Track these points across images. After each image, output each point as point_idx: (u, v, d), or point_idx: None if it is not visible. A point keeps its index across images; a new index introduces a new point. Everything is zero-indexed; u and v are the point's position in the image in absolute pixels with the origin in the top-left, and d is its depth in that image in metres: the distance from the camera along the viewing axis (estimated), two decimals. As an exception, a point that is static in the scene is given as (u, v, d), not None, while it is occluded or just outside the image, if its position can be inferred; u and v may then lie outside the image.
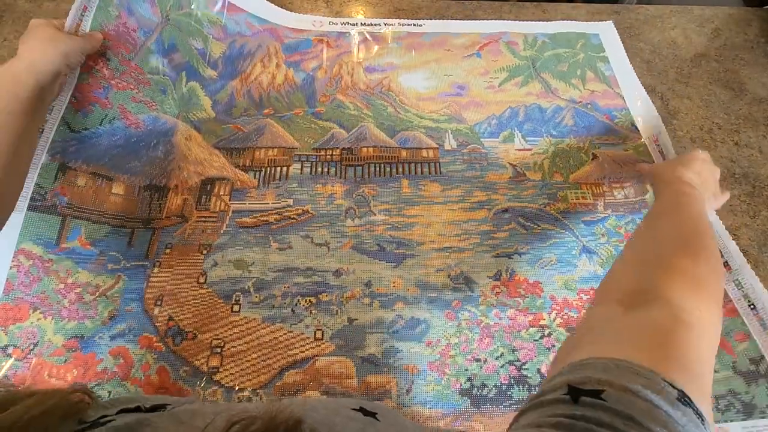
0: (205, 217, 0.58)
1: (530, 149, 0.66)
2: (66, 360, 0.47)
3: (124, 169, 0.57)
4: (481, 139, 0.67)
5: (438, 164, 0.64)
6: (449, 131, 0.67)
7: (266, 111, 0.67)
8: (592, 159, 0.65)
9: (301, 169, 0.63)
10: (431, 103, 0.70)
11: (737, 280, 0.52)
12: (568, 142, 0.66)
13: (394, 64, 0.72)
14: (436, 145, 0.66)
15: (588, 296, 0.55)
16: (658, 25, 0.81)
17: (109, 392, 0.46)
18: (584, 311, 0.37)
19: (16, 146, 0.43)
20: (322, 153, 0.64)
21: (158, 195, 0.58)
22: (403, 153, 0.65)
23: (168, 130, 0.61)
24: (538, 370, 0.50)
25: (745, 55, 0.77)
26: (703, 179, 0.51)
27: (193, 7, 0.66)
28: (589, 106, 0.70)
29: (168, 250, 0.55)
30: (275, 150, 0.64)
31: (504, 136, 0.67)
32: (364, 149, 0.65)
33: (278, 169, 0.62)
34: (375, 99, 0.70)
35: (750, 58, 0.77)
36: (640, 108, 0.69)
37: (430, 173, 0.64)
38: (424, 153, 0.65)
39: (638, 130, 0.67)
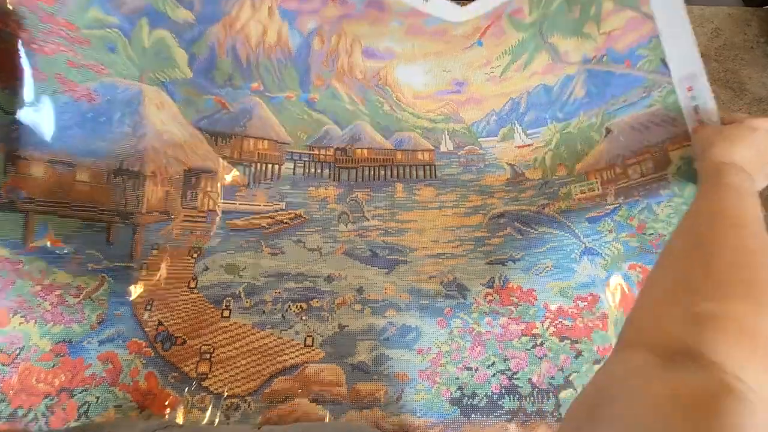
0: (193, 216, 0.56)
1: (531, 144, 0.62)
2: (54, 365, 0.47)
3: (86, 152, 0.50)
4: (479, 139, 0.65)
5: (433, 167, 0.63)
6: (446, 132, 0.66)
7: (254, 85, 0.60)
8: (606, 135, 0.57)
9: (294, 169, 0.61)
10: (428, 102, 0.67)
11: None
12: (577, 122, 0.59)
13: (393, 51, 0.66)
14: (432, 147, 0.65)
15: (585, 303, 0.54)
16: (661, 23, 0.79)
17: (97, 398, 0.46)
18: (608, 355, 0.31)
19: None
20: (316, 152, 0.63)
21: (133, 183, 0.53)
22: (399, 155, 0.64)
23: (131, 98, 0.52)
24: (529, 380, 0.50)
25: (745, 55, 0.76)
26: (763, 159, 0.39)
27: None
28: (604, 58, 0.56)
29: (155, 252, 0.54)
30: (265, 143, 0.61)
31: (503, 133, 0.64)
32: (359, 150, 0.64)
33: (269, 166, 0.61)
34: (371, 93, 0.67)
35: (750, 58, 0.76)
36: (673, 32, 0.50)
37: (425, 176, 0.63)
38: (420, 156, 0.64)
39: (669, 70, 0.51)
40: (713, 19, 0.80)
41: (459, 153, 0.64)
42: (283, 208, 0.59)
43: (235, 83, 0.59)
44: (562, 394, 0.49)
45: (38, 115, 0.48)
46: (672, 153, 0.52)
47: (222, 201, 0.58)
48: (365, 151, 0.64)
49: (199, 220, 0.56)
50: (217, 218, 0.57)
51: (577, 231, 0.57)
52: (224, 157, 0.59)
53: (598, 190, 0.56)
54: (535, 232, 0.58)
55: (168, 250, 0.55)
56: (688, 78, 0.51)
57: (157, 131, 0.54)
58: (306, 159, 0.62)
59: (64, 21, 0.48)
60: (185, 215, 0.56)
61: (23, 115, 0.48)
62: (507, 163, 0.63)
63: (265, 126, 0.61)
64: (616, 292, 0.54)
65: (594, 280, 0.55)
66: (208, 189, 0.57)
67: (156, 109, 0.54)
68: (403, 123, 0.66)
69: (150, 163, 0.54)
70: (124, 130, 0.52)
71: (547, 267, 0.56)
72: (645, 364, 0.25)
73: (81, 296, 0.50)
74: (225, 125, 0.59)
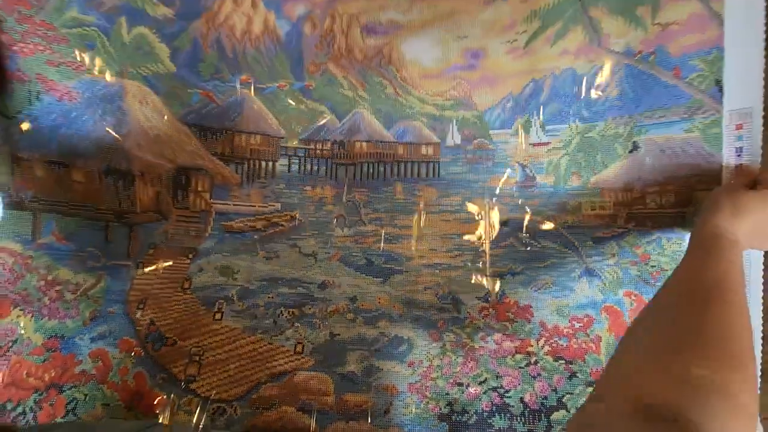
0: (186, 216, 0.55)
1: (548, 143, 0.56)
2: (45, 360, 0.48)
3: (76, 152, 0.51)
4: (491, 131, 0.57)
5: (437, 164, 0.58)
6: (454, 121, 0.58)
7: (243, 78, 0.56)
8: (631, 151, 0.52)
9: (289, 167, 0.57)
10: (437, 82, 0.58)
11: None
12: (603, 128, 0.53)
13: (397, 22, 0.58)
14: (438, 140, 0.60)
15: (581, 324, 0.52)
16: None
17: (85, 395, 0.47)
18: (586, 401, 0.33)
19: None
20: (312, 147, 0.58)
21: (123, 183, 0.53)
22: (400, 150, 0.58)
23: (113, 95, 0.52)
24: (521, 399, 0.49)
25: None
26: (762, 238, 0.40)
27: None
28: (651, 57, 0.49)
29: (151, 251, 0.54)
30: (258, 138, 0.57)
31: (519, 125, 0.57)
32: (358, 144, 0.58)
33: (263, 163, 0.57)
34: (373, 76, 0.59)
35: None
36: (739, 53, 0.45)
37: (427, 175, 0.58)
38: (423, 150, 0.60)
39: (722, 97, 0.46)
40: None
41: (467, 148, 0.58)
42: (279, 209, 0.57)
43: (223, 76, 0.55)
44: (554, 416, 0.48)
45: (30, 117, 0.50)
46: (697, 193, 0.48)
47: (214, 201, 0.55)
48: (364, 145, 0.58)
49: (193, 220, 0.55)
50: (211, 219, 0.56)
51: (580, 250, 0.54)
52: (214, 154, 0.56)
53: (610, 209, 0.52)
54: (538, 245, 0.55)
55: (164, 250, 0.54)
56: (742, 114, 0.45)
57: (141, 128, 0.53)
58: (301, 155, 0.58)
59: (42, 21, 0.48)
60: (178, 215, 0.55)
61: (21, 118, 0.50)
62: (518, 162, 0.57)
63: (257, 119, 0.57)
64: (609, 316, 0.52)
65: (590, 302, 0.53)
66: (199, 189, 0.55)
67: (139, 104, 0.52)
68: (407, 110, 0.59)
69: (136, 161, 0.53)
70: (107, 127, 0.51)
71: (547, 284, 0.54)
72: (625, 416, 0.28)
73: (78, 292, 0.51)
74: (214, 120, 0.56)
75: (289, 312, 0.52)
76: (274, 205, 0.57)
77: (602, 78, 0.52)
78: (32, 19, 0.48)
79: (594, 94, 0.53)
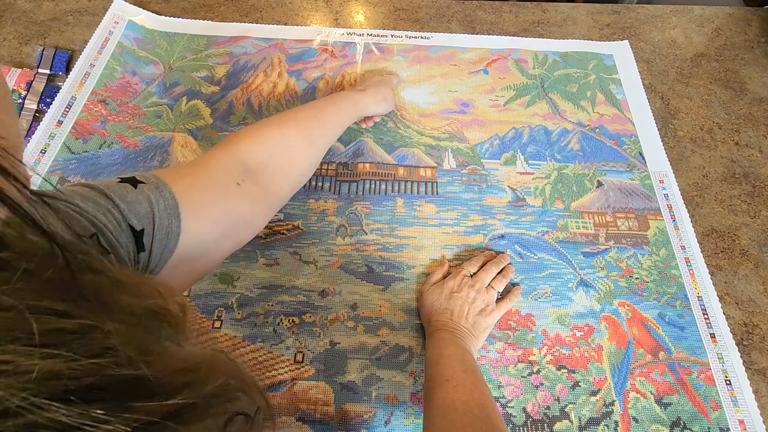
0: None
1: (532, 173, 0.63)
2: None
3: None
4: (482, 160, 0.64)
5: (435, 184, 0.62)
6: (449, 150, 0.65)
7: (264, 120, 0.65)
8: (597, 186, 0.62)
9: None
10: (433, 120, 0.68)
11: (720, 354, 0.52)
12: (573, 168, 0.64)
13: (398, 78, 0.71)
14: (435, 164, 0.64)
15: (582, 333, 0.53)
16: (658, 24, 0.80)
17: None
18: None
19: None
20: (318, 167, 0.63)
21: None
22: (401, 171, 0.63)
23: (165, 143, 0.63)
24: (524, 409, 0.48)
25: (746, 55, 0.76)
26: (456, 320, 0.48)
27: (198, 53, 0.71)
28: (597, 130, 0.67)
29: None
30: None
31: (506, 158, 0.65)
32: (361, 165, 0.63)
33: None
34: None
35: (750, 58, 0.76)
36: (648, 141, 0.66)
37: (426, 193, 0.62)
38: (422, 172, 0.64)
39: (645, 163, 0.65)
40: (713, 18, 0.81)
41: (461, 171, 0.63)
42: (281, 219, 0.58)
43: (247, 122, 0.65)
44: (557, 426, 0.47)
45: (95, 156, 0.61)
46: (650, 221, 0.60)
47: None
48: (367, 165, 0.63)
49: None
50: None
51: (573, 262, 0.57)
52: None
53: (592, 230, 0.59)
54: (535, 257, 0.57)
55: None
56: (661, 174, 0.64)
57: (177, 161, 0.62)
58: (308, 172, 0.62)
59: (133, 105, 0.66)
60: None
61: (84, 155, 0.61)
62: (509, 186, 0.62)
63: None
64: (609, 325, 0.53)
65: (589, 311, 0.54)
66: None
67: (181, 147, 0.63)
68: (406, 139, 0.66)
69: None
70: (153, 164, 0.61)
71: (546, 293, 0.55)
72: None
73: None
74: None
75: (289, 320, 0.52)
76: (277, 216, 0.58)
77: (566, 135, 0.66)
78: (128, 104, 0.66)
79: (562, 143, 0.66)
